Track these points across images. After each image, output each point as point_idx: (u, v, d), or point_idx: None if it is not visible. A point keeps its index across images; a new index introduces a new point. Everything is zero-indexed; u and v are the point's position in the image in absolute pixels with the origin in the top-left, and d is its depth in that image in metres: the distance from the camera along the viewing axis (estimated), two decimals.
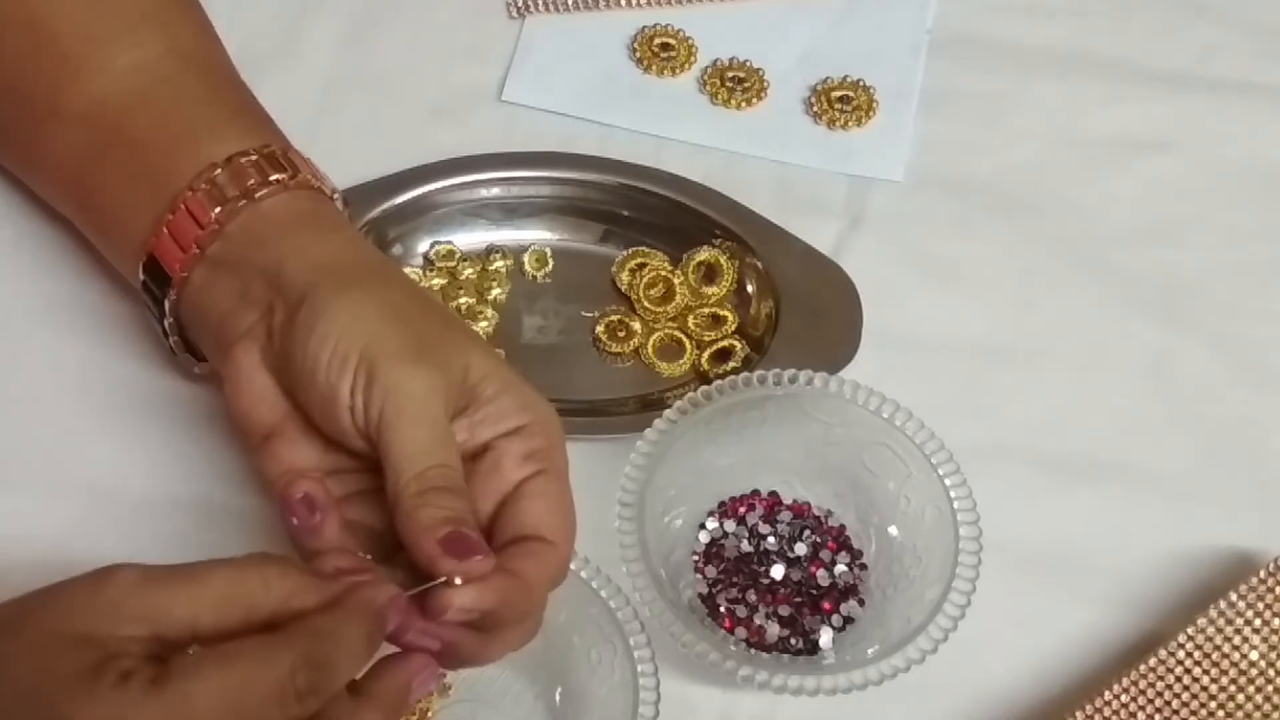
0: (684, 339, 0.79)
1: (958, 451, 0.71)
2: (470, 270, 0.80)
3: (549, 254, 0.81)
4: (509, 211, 0.82)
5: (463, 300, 0.79)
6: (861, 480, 0.74)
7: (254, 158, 0.68)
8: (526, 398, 0.64)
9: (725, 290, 0.80)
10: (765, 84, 0.88)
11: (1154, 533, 0.74)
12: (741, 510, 0.74)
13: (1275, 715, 0.66)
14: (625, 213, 0.82)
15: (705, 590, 0.72)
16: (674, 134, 0.86)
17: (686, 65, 0.88)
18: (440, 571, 0.58)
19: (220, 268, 0.67)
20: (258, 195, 0.67)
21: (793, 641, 0.71)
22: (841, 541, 0.73)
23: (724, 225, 0.81)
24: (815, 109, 0.87)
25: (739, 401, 0.73)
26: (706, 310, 0.80)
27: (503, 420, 0.63)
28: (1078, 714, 0.66)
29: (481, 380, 0.63)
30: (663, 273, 0.80)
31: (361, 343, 0.62)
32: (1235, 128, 0.88)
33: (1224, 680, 0.67)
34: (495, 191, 0.82)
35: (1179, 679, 0.67)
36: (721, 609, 0.71)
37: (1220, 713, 0.66)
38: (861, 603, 0.72)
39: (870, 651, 0.68)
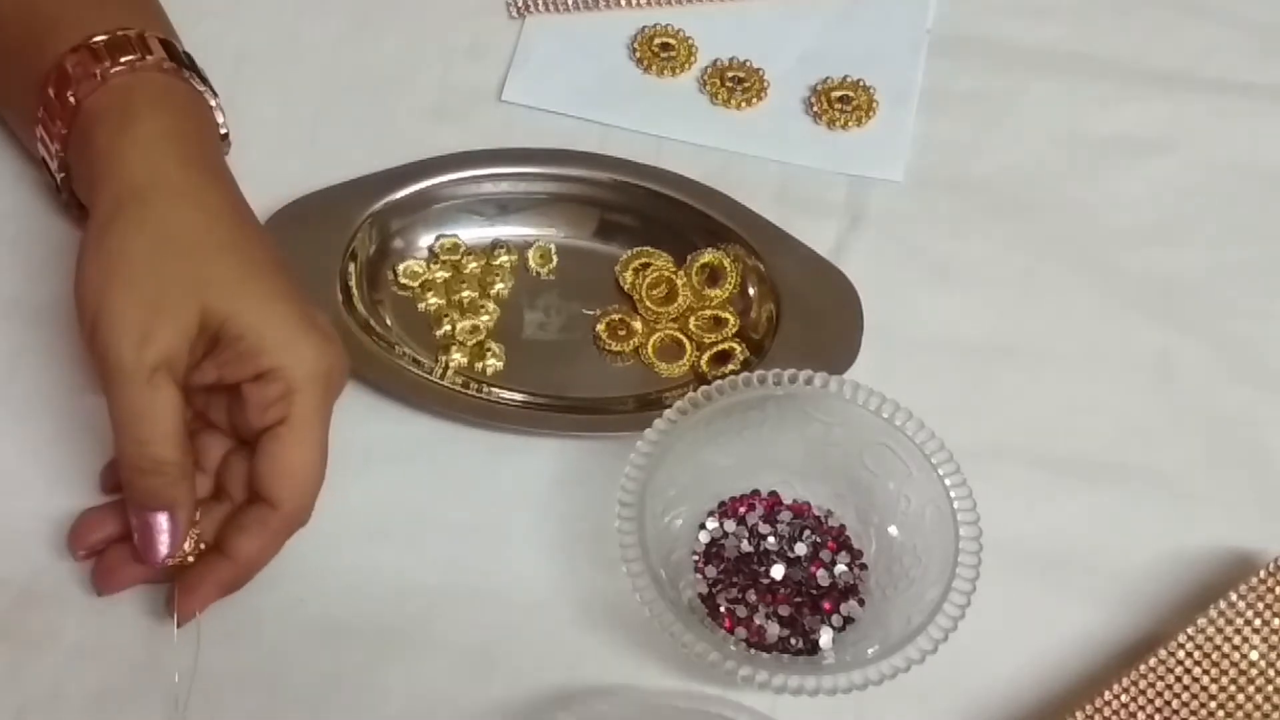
0: (684, 340, 0.79)
1: (958, 451, 0.71)
2: (475, 264, 0.80)
3: (553, 251, 0.81)
4: (514, 207, 0.82)
5: (465, 294, 0.79)
6: (861, 480, 0.74)
7: (103, 40, 0.72)
8: (272, 340, 0.66)
9: (728, 293, 0.80)
10: (765, 84, 0.88)
11: (1154, 533, 0.74)
12: (741, 510, 0.74)
13: (1275, 715, 0.66)
14: (630, 212, 0.82)
15: (705, 590, 0.72)
16: (674, 134, 0.86)
17: (686, 65, 0.88)
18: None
19: (76, 154, 0.72)
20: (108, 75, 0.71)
21: (793, 641, 0.71)
22: (841, 541, 0.73)
23: (728, 228, 0.81)
24: (815, 109, 0.87)
25: (739, 401, 0.73)
26: (709, 312, 0.80)
27: (243, 365, 0.67)
28: (1078, 714, 0.66)
29: (225, 321, 0.66)
30: (666, 273, 0.80)
31: (100, 293, 0.66)
32: (1235, 128, 0.88)
33: (1224, 680, 0.67)
34: (503, 187, 0.82)
35: (1179, 679, 0.67)
36: (721, 609, 0.71)
37: (1220, 713, 0.66)
38: (861, 603, 0.72)
39: (870, 651, 0.68)
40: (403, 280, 0.79)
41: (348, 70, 0.87)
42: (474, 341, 0.78)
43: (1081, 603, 0.72)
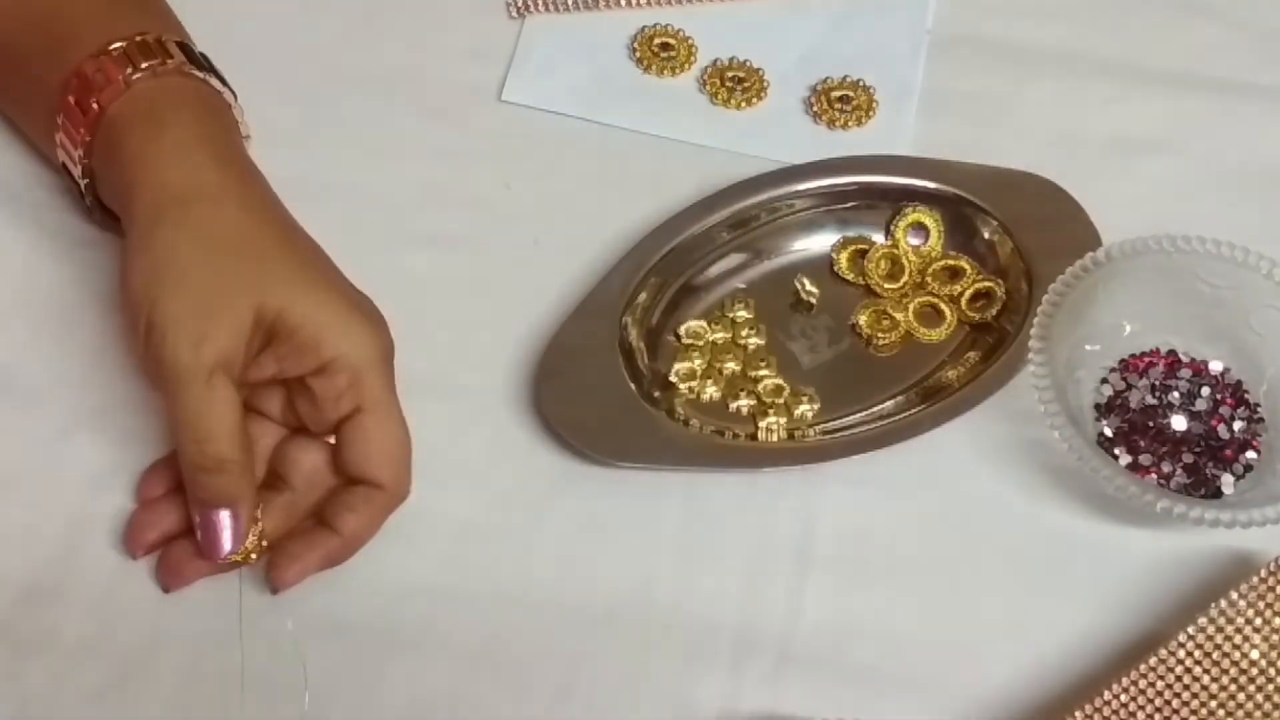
0: (939, 302, 0.80)
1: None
2: (720, 332, 0.79)
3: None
4: (726, 258, 0.81)
5: (729, 366, 0.78)
6: (1248, 342, 0.77)
7: (122, 46, 0.72)
8: (330, 329, 0.68)
9: (937, 241, 0.81)
10: (765, 84, 0.88)
11: (1154, 532, 0.74)
12: (1142, 366, 0.77)
13: (1276, 715, 0.66)
14: (816, 210, 0.82)
15: (1108, 439, 0.75)
16: (674, 134, 0.86)
17: (686, 65, 0.88)
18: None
19: (103, 161, 0.72)
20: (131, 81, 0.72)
21: (1195, 489, 0.74)
22: (1239, 398, 0.76)
23: (918, 188, 0.81)
24: (815, 109, 0.87)
25: (1127, 267, 0.76)
26: (937, 265, 0.80)
27: (304, 358, 0.68)
28: (1077, 714, 0.66)
29: (278, 316, 0.67)
30: (881, 250, 0.81)
31: (151, 298, 0.66)
32: (1235, 128, 0.87)
33: (1224, 680, 0.67)
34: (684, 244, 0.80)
35: (1179, 679, 0.67)
36: (1121, 458, 0.74)
37: (1220, 712, 0.66)
38: (1259, 452, 0.75)
39: (1267, 501, 0.70)
40: (683, 389, 0.77)
41: (348, 70, 0.87)
42: (781, 398, 0.76)
43: (1081, 603, 0.72)
